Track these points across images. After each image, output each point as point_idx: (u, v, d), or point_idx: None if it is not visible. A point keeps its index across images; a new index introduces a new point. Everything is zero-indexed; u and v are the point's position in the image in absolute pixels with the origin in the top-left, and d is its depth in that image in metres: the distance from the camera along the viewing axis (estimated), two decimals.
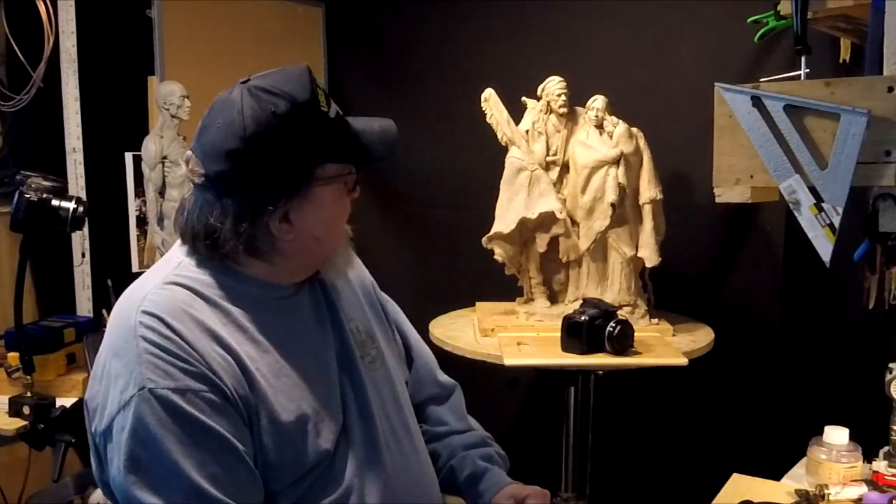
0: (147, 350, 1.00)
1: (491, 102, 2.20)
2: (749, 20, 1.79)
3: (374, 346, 1.25)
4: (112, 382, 1.01)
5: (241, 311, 1.09)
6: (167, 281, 1.08)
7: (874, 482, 1.43)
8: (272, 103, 1.04)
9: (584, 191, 2.16)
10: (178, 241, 1.15)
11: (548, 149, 2.22)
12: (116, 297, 1.97)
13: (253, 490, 1.04)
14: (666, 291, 2.33)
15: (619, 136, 2.15)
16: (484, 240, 2.22)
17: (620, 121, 2.18)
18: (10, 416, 1.88)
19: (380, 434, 1.16)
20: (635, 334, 1.95)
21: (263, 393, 1.05)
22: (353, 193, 1.14)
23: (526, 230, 2.22)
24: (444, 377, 1.43)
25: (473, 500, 1.27)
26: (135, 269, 2.57)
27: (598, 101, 2.18)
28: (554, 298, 2.29)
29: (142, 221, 2.55)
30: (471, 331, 2.21)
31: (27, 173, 1.81)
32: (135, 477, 0.97)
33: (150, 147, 2.42)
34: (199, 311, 1.05)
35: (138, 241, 2.57)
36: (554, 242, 2.23)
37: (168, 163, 2.44)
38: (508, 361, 1.91)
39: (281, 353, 1.10)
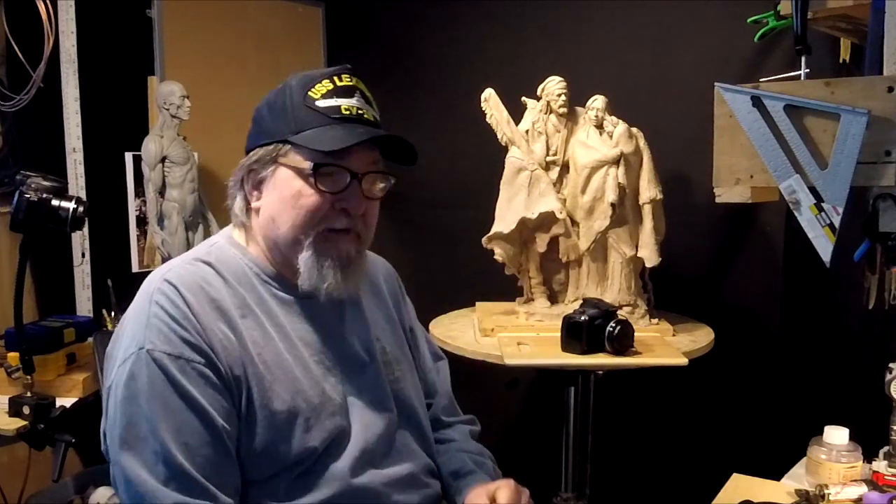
0: (156, 314, 1.06)
1: (491, 102, 2.20)
2: (749, 20, 1.79)
3: (398, 368, 1.28)
4: (122, 340, 1.08)
5: (259, 298, 1.14)
6: (196, 258, 1.15)
7: (874, 482, 1.43)
8: (290, 79, 1.15)
9: (584, 191, 2.16)
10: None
11: (548, 149, 2.22)
12: (116, 297, 1.99)
13: (225, 471, 1.06)
14: (666, 291, 2.33)
15: (619, 136, 2.14)
16: (484, 240, 2.21)
17: (620, 121, 2.18)
18: (10, 416, 1.87)
19: (379, 448, 1.18)
20: (635, 334, 1.94)
21: (260, 378, 1.09)
22: (326, 189, 1.11)
23: (526, 230, 2.22)
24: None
25: (452, 495, 1.28)
26: (135, 269, 2.58)
27: (598, 101, 2.18)
28: (554, 298, 2.29)
29: (142, 221, 2.55)
30: (471, 331, 2.21)
31: (27, 173, 1.81)
32: (119, 430, 1.03)
33: (150, 147, 2.42)
34: (216, 290, 1.11)
35: (138, 241, 2.57)
36: (554, 242, 2.23)
37: (168, 163, 2.44)
38: (508, 361, 1.91)
39: (287, 346, 1.13)
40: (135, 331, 1.06)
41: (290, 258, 1.15)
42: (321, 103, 1.11)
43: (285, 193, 1.12)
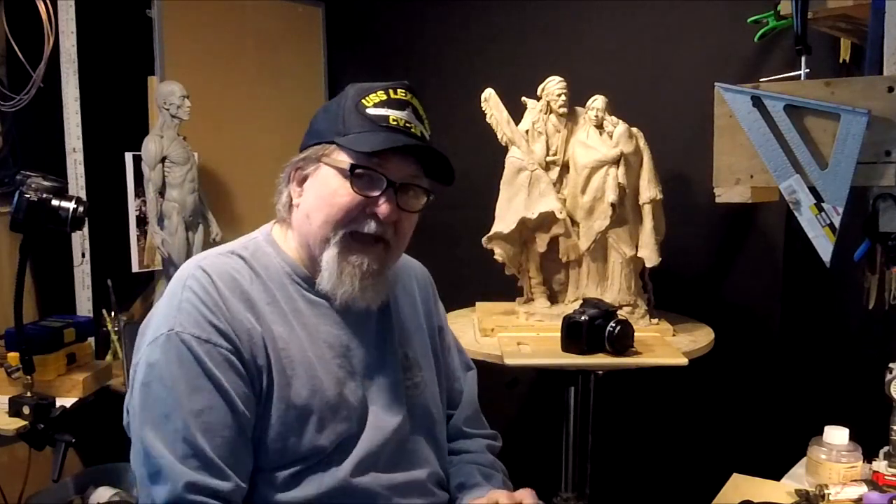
0: (188, 299, 1.09)
1: (491, 102, 2.20)
2: (749, 20, 1.79)
3: (419, 374, 1.29)
4: (153, 321, 1.12)
5: (288, 297, 1.17)
6: (232, 251, 1.19)
7: (874, 482, 1.43)
8: (349, 88, 1.19)
9: (584, 191, 2.16)
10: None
11: (548, 149, 2.22)
12: (116, 297, 2.00)
13: (241, 455, 1.08)
14: (666, 291, 2.33)
15: (619, 136, 2.14)
16: (484, 240, 2.21)
17: (620, 121, 2.18)
18: (10, 416, 1.87)
19: (385, 452, 1.18)
20: (635, 334, 1.94)
21: (281, 371, 1.11)
22: (360, 191, 1.13)
23: (526, 230, 2.22)
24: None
25: None
26: (135, 269, 2.58)
27: (598, 101, 2.18)
28: (554, 298, 2.29)
29: (142, 221, 2.55)
30: (471, 331, 2.21)
31: (27, 173, 1.81)
32: (144, 406, 1.06)
33: (150, 147, 2.42)
34: (247, 283, 1.15)
35: (138, 241, 2.58)
36: (554, 242, 2.23)
37: (168, 163, 2.44)
38: (508, 361, 1.91)
39: (311, 346, 1.15)
40: (166, 313, 1.09)
41: (318, 257, 1.17)
42: (372, 111, 1.14)
43: (323, 191, 1.15)
